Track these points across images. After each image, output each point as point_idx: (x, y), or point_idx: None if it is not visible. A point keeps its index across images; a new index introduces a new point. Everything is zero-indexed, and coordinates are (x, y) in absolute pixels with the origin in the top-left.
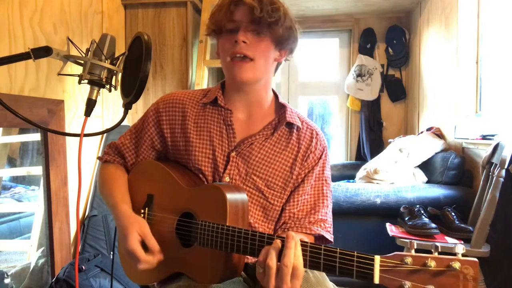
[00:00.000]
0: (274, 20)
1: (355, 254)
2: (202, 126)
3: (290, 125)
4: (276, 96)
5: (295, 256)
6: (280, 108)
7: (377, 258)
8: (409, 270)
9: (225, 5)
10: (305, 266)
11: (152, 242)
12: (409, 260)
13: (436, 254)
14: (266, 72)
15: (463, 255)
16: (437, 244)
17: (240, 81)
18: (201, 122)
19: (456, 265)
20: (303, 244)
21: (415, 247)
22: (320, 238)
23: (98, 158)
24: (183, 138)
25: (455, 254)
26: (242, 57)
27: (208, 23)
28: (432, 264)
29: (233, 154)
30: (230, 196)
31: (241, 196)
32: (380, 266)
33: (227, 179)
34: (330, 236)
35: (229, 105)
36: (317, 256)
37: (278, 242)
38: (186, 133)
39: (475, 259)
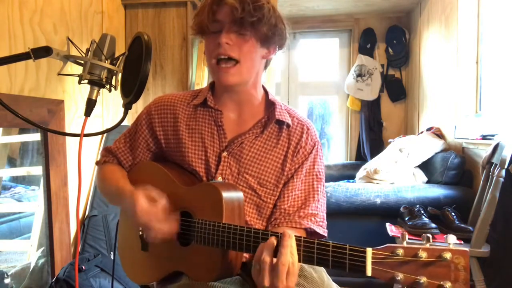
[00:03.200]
0: (256, 19)
1: (347, 247)
2: (193, 128)
3: (280, 122)
4: (266, 92)
5: (291, 254)
6: (270, 106)
7: (369, 251)
8: (400, 262)
9: (207, 5)
10: (299, 260)
11: (156, 193)
12: (400, 251)
13: (427, 245)
14: (253, 72)
15: (454, 245)
16: (429, 235)
17: (226, 84)
18: (192, 124)
19: (447, 255)
20: (297, 238)
21: (407, 238)
22: (312, 233)
23: (97, 162)
24: (176, 139)
25: (447, 245)
26: (227, 59)
27: (192, 23)
28: (423, 255)
29: (224, 154)
30: (226, 194)
31: (237, 194)
32: (372, 258)
33: (219, 179)
34: (322, 231)
35: (219, 106)
36: (310, 250)
37: (273, 239)
38: (178, 135)
39: (466, 249)
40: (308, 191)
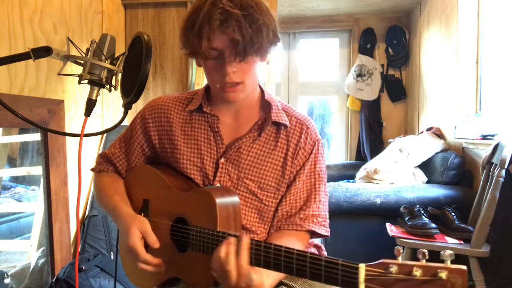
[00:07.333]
0: (258, 46)
1: (340, 262)
2: (189, 134)
3: (277, 123)
4: (262, 91)
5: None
6: (266, 106)
7: (362, 267)
8: (394, 279)
9: (199, 30)
10: (291, 273)
11: (152, 239)
12: (394, 269)
13: (423, 262)
14: (256, 82)
15: (452, 261)
16: (424, 251)
17: (232, 102)
18: (188, 130)
19: (443, 274)
20: (289, 250)
21: (402, 253)
22: (314, 234)
23: (92, 169)
24: (171, 145)
25: (443, 261)
26: (233, 84)
27: (183, 43)
28: (417, 273)
29: (222, 160)
30: (220, 200)
31: (232, 200)
32: (365, 275)
33: (218, 185)
34: (324, 230)
35: (215, 111)
36: (303, 263)
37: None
38: (173, 141)
39: (464, 267)
40: (310, 191)
